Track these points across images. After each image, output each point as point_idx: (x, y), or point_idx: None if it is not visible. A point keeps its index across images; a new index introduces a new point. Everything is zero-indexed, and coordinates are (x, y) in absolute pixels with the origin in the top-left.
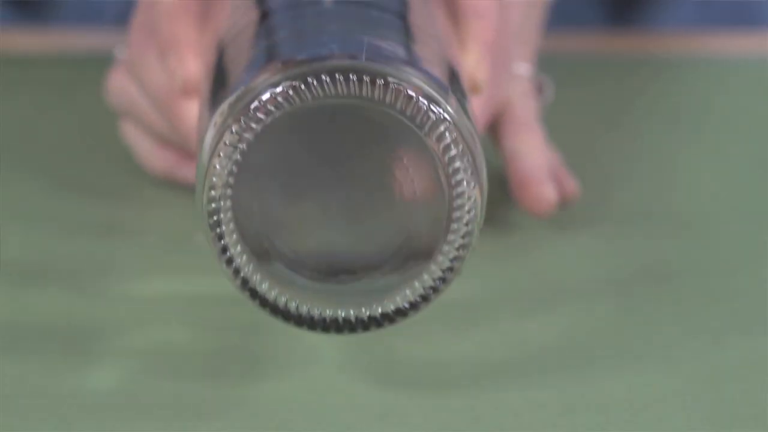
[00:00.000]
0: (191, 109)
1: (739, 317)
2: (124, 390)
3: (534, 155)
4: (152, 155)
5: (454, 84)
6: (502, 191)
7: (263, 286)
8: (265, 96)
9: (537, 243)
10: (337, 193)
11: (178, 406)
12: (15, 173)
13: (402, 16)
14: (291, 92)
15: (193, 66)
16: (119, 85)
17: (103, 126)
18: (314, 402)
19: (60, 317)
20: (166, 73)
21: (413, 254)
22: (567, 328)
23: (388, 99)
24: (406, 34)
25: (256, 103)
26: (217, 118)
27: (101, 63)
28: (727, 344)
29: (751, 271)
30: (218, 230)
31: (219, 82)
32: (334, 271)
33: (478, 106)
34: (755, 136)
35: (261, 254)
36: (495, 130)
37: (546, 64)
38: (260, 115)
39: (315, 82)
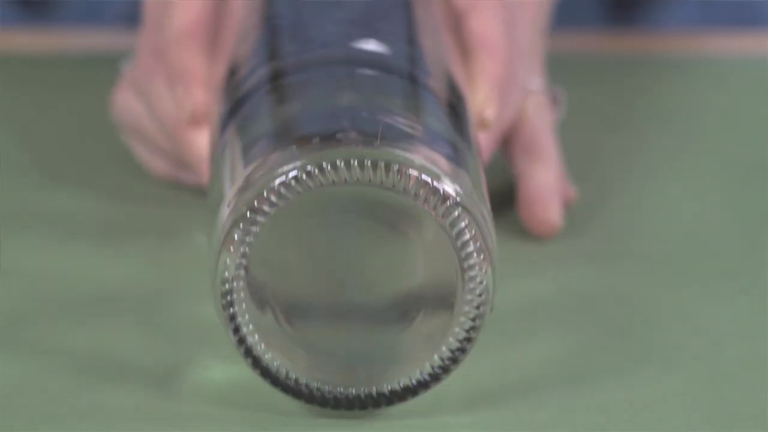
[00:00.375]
0: (200, 138)
1: (739, 317)
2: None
3: (544, 176)
4: (155, 160)
5: (464, 133)
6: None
7: (275, 364)
8: (279, 179)
9: (539, 248)
10: (349, 268)
11: (182, 417)
12: (15, 173)
13: (411, 75)
14: (305, 177)
15: (202, 97)
16: (126, 103)
17: (103, 126)
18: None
19: (61, 320)
20: (175, 102)
21: (423, 319)
22: (567, 329)
23: (402, 184)
24: (417, 100)
25: (270, 186)
26: (231, 197)
27: (101, 63)
28: (727, 344)
29: (750, 272)
30: (231, 310)
31: (235, 140)
32: (344, 333)
33: (484, 137)
34: (755, 136)
35: (265, 310)
36: (507, 144)
37: (546, 64)
38: (274, 198)
39: (329, 167)
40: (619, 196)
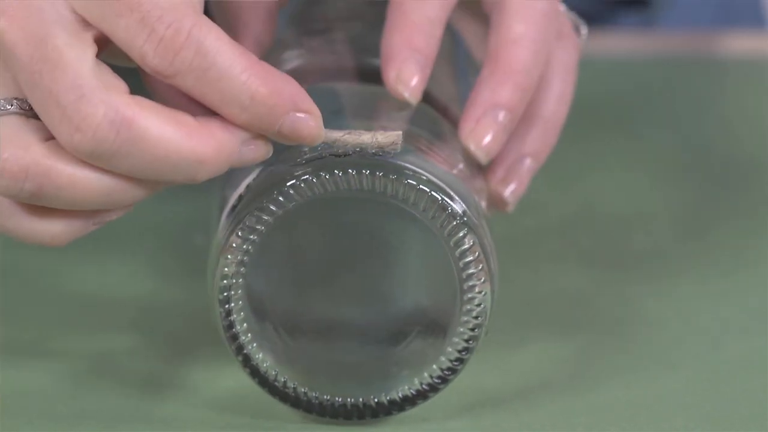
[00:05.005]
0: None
1: (739, 317)
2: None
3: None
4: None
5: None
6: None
7: (272, 372)
8: (290, 182)
9: (537, 248)
10: (349, 279)
11: (179, 420)
12: None
13: (425, 96)
14: (315, 180)
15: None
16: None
17: None
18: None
19: (60, 322)
20: None
21: (417, 336)
22: (566, 329)
23: (412, 198)
24: (430, 119)
25: (279, 188)
26: (236, 197)
27: None
28: (727, 344)
29: (750, 271)
30: (229, 314)
31: None
32: (338, 342)
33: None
34: (755, 136)
35: (261, 314)
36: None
37: None
38: (282, 199)
39: (340, 174)
40: (617, 196)
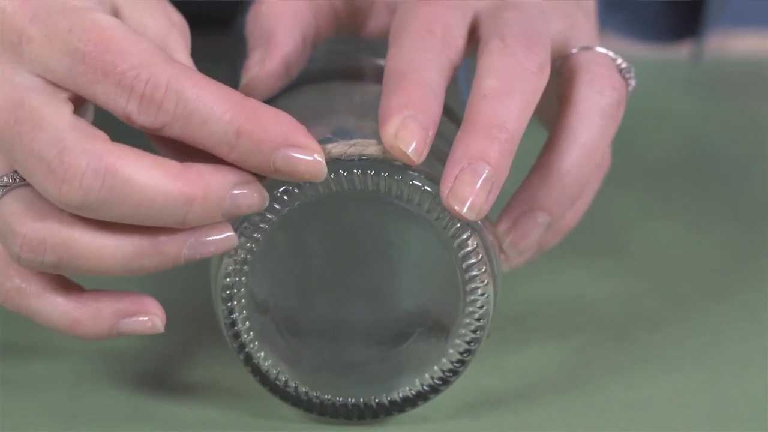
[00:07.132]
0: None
1: (738, 317)
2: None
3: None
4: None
5: None
6: None
7: (274, 371)
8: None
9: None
10: (352, 279)
11: (181, 421)
12: None
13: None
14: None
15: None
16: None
17: (104, 126)
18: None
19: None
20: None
21: (419, 337)
22: (566, 329)
23: (416, 199)
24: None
25: (283, 187)
26: None
27: None
28: (727, 344)
29: (750, 272)
30: (232, 316)
31: None
32: (339, 342)
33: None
34: (755, 136)
35: (263, 313)
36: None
37: None
38: (286, 199)
39: (345, 174)
40: (618, 197)
